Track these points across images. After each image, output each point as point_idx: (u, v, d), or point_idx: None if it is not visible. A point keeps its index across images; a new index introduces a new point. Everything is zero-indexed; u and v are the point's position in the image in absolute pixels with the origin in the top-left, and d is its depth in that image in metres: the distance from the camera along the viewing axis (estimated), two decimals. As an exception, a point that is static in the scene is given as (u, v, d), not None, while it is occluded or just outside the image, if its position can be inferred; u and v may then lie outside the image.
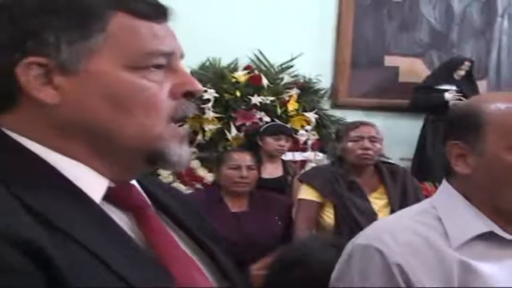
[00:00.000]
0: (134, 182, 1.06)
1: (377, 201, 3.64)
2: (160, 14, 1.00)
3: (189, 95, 1.02)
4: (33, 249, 0.79)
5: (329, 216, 3.62)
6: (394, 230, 1.40)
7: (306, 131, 5.40)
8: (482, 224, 1.39)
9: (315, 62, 5.82)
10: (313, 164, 5.10)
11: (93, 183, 0.96)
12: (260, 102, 5.29)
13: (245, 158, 3.77)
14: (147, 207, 1.03)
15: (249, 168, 3.73)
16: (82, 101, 0.95)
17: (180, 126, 1.02)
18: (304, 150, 5.36)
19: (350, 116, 5.38)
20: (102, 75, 0.94)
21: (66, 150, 0.96)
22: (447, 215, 1.42)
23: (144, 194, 1.06)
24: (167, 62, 0.99)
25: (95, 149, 0.97)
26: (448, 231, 1.39)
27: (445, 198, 1.46)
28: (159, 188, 1.14)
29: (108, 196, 0.97)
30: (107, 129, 0.96)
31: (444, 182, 1.50)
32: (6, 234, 0.78)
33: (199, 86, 1.03)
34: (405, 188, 3.70)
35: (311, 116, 5.46)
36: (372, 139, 3.65)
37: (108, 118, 0.95)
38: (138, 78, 0.96)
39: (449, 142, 1.45)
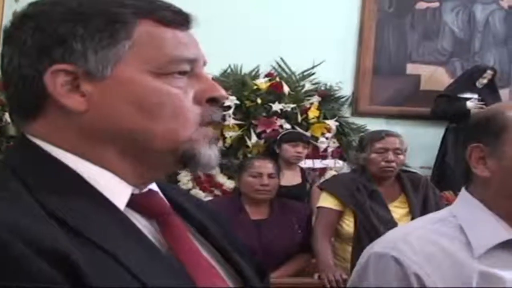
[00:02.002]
0: (156, 189, 1.06)
1: (398, 210, 3.64)
2: (184, 21, 1.01)
3: (213, 101, 1.02)
4: (59, 258, 0.79)
5: (348, 225, 3.61)
6: (411, 239, 1.39)
7: (327, 138, 5.39)
8: (503, 231, 1.38)
9: (337, 69, 5.81)
10: (333, 172, 5.10)
11: (117, 190, 0.96)
12: (281, 110, 5.29)
13: (267, 166, 3.77)
14: (170, 214, 1.03)
15: (270, 176, 3.73)
16: (109, 108, 0.95)
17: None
18: (324, 157, 5.35)
19: (371, 124, 5.37)
20: (129, 82, 0.95)
21: (92, 156, 0.96)
22: (468, 223, 1.41)
23: (167, 201, 1.06)
24: (191, 68, 1.00)
25: (123, 154, 0.97)
26: (471, 240, 1.38)
27: (465, 206, 1.46)
28: (183, 197, 1.14)
29: (132, 203, 0.98)
30: (136, 134, 0.96)
31: (463, 190, 1.50)
32: (30, 242, 0.78)
33: (223, 92, 1.03)
34: (426, 197, 3.69)
35: (332, 123, 5.45)
36: (397, 151, 3.63)
37: (136, 124, 0.95)
38: (164, 84, 0.96)
39: (470, 145, 1.45)
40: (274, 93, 5.39)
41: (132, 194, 0.98)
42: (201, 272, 0.97)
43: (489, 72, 5.67)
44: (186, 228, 1.06)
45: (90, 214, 0.90)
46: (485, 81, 5.64)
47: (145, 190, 1.02)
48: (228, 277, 1.06)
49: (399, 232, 1.48)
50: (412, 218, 3.50)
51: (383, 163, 3.61)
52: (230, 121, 5.17)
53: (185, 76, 0.99)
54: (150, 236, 0.97)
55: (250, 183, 3.71)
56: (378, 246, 1.42)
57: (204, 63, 1.04)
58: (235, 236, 1.20)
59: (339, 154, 5.44)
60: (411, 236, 1.41)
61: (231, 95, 5.21)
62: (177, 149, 0.98)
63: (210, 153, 1.00)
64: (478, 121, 1.50)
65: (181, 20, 1.00)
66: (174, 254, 0.97)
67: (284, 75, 5.69)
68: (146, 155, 0.98)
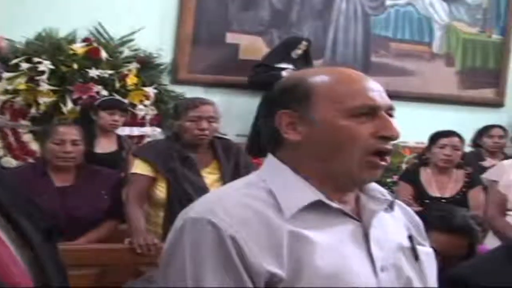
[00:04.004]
0: None
1: (210, 176, 3.69)
2: None
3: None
4: None
5: (161, 191, 3.62)
6: (226, 203, 1.40)
7: (145, 106, 5.36)
8: (310, 193, 1.43)
9: (156, 36, 5.77)
10: (150, 139, 5.08)
11: None
12: (98, 76, 5.19)
13: (70, 133, 3.67)
14: None
15: (73, 143, 3.64)
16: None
17: None
18: (142, 125, 5.32)
19: (190, 92, 5.40)
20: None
21: None
22: (277, 187, 1.43)
23: None
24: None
25: None
26: (281, 202, 1.41)
27: (274, 171, 1.48)
28: None
29: None
30: None
31: (270, 155, 1.52)
32: None
33: None
34: (238, 163, 3.76)
35: (150, 91, 5.43)
36: (210, 120, 3.67)
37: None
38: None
39: (278, 111, 1.48)
40: (91, 58, 5.28)
41: None
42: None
43: (304, 43, 5.87)
44: None
45: None
46: (300, 52, 5.83)
47: None
48: (9, 238, 1.05)
49: (213, 197, 1.48)
50: (224, 184, 3.56)
51: (196, 131, 3.63)
52: (44, 86, 4.99)
53: None
54: None
55: (53, 150, 3.61)
56: (194, 211, 1.42)
57: None
58: (27, 199, 1.18)
59: (158, 121, 5.42)
60: (225, 200, 1.42)
61: (46, 59, 5.04)
62: None
63: None
64: (284, 87, 1.52)
65: None
66: None
67: (102, 40, 5.58)
68: None
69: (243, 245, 1.33)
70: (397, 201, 1.63)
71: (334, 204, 1.44)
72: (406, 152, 6.19)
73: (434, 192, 4.56)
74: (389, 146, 1.45)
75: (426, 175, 4.64)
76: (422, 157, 4.93)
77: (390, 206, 1.55)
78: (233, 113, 5.62)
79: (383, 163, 1.45)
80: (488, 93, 6.95)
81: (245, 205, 1.40)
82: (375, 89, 1.46)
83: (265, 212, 1.39)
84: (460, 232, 2.42)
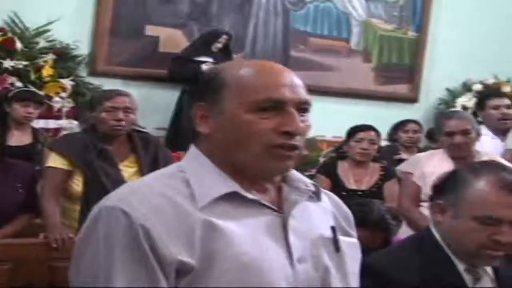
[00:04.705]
0: None
1: (128, 169, 3.66)
2: None
3: None
4: None
5: (78, 184, 3.57)
6: (140, 192, 1.39)
7: (61, 98, 5.26)
8: (225, 184, 1.43)
9: (74, 28, 5.67)
10: (67, 132, 4.99)
11: None
12: (13, 67, 5.08)
13: None
14: None
15: None
16: None
17: None
18: (58, 117, 5.22)
19: (108, 85, 5.31)
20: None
21: None
22: (194, 177, 1.44)
23: None
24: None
25: None
26: (196, 192, 1.41)
27: (192, 161, 1.48)
28: None
29: None
30: None
31: (192, 146, 1.53)
32: None
33: None
34: (156, 157, 3.75)
35: (67, 83, 5.33)
36: (127, 110, 3.64)
37: None
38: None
39: (195, 104, 1.49)
40: (6, 49, 5.15)
41: None
42: None
43: (224, 37, 5.87)
44: None
45: None
46: (220, 45, 5.82)
47: None
48: None
49: (129, 187, 1.47)
50: (142, 177, 3.54)
51: (112, 122, 3.60)
52: (-47, 77, 4.84)
53: None
54: None
55: None
56: (108, 200, 1.41)
57: None
58: None
59: (74, 114, 5.33)
60: (139, 190, 1.41)
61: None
62: None
63: None
64: (202, 80, 1.54)
65: None
66: None
67: (18, 30, 5.43)
68: None
69: (154, 234, 1.33)
70: (326, 191, 1.65)
71: (250, 195, 1.44)
72: (324, 146, 6.28)
73: (351, 185, 4.65)
74: (293, 141, 1.44)
75: (343, 168, 4.72)
76: (339, 150, 5.02)
77: (316, 196, 1.57)
78: (153, 106, 5.58)
79: (289, 153, 1.45)
80: (403, 88, 7.11)
81: (160, 194, 1.39)
82: (287, 83, 1.46)
83: (179, 202, 1.39)
84: (376, 227, 2.48)
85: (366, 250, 2.36)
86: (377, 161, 4.78)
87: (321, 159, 5.87)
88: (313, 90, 6.38)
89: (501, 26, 7.29)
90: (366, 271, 1.81)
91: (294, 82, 1.48)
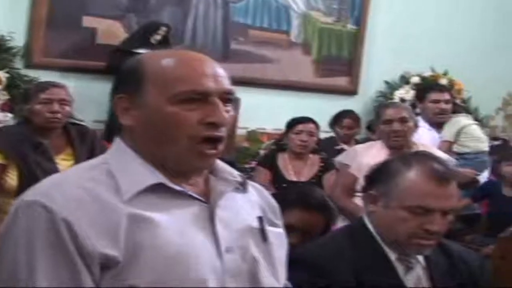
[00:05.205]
0: None
1: (64, 162, 3.62)
2: None
3: None
4: None
5: (12, 178, 3.51)
6: (62, 185, 1.37)
7: (-4, 91, 5.15)
8: (151, 176, 1.42)
9: (9, 19, 5.52)
10: (1, 126, 4.88)
11: None
12: None
13: None
14: None
15: None
16: None
17: None
18: (-7, 111, 5.10)
19: (45, 77, 5.17)
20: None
21: None
22: (118, 169, 1.42)
23: None
24: None
25: None
26: (120, 185, 1.40)
27: (117, 153, 1.47)
28: None
29: None
30: None
31: (116, 138, 1.52)
32: None
33: None
34: (93, 150, 3.71)
35: (2, 75, 5.20)
36: (62, 102, 3.59)
37: None
38: None
39: (116, 96, 1.47)
40: None
41: None
42: None
43: (163, 29, 5.81)
44: None
45: None
46: (159, 37, 5.76)
47: None
48: None
49: (52, 180, 1.45)
50: (78, 170, 3.49)
51: (47, 114, 3.55)
52: None
53: None
54: None
55: None
56: (29, 194, 1.38)
57: None
58: None
59: (9, 107, 5.21)
60: (62, 183, 1.39)
61: None
62: None
63: None
64: (123, 71, 1.52)
65: None
66: None
67: None
68: None
69: (77, 228, 1.31)
70: (253, 183, 1.65)
71: (177, 187, 1.44)
72: (264, 138, 6.29)
73: (290, 176, 4.69)
74: (218, 132, 1.45)
75: (283, 160, 4.76)
76: (280, 142, 5.05)
77: (243, 187, 1.57)
78: (90, 98, 5.49)
79: (212, 151, 1.45)
80: (343, 81, 7.17)
81: (82, 187, 1.38)
82: (209, 73, 1.46)
83: (103, 194, 1.38)
84: (319, 209, 2.51)
85: (308, 233, 2.42)
86: (317, 153, 4.83)
87: (262, 152, 5.89)
88: (253, 82, 6.48)
89: (438, 19, 7.42)
90: (298, 263, 1.83)
91: (217, 72, 1.48)
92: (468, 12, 7.57)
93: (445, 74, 7.20)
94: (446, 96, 5.23)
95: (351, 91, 7.16)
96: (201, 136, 1.43)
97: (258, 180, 4.74)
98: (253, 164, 5.44)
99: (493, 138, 6.64)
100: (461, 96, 7.13)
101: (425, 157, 2.12)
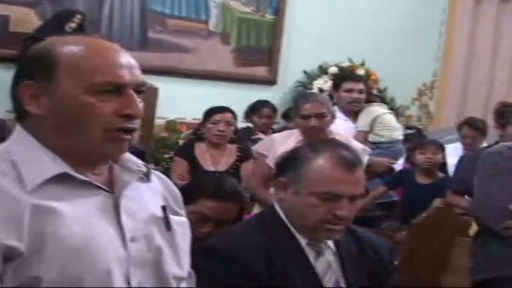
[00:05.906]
0: None
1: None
2: None
3: None
4: None
5: None
6: None
7: None
8: (55, 166, 1.40)
9: None
10: None
11: None
12: None
13: None
14: None
15: None
16: None
17: None
18: None
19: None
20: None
21: None
22: (21, 159, 1.39)
23: None
24: None
25: None
26: (24, 175, 1.36)
27: (19, 142, 1.44)
28: None
29: None
30: None
31: (18, 126, 1.48)
32: None
33: None
34: (3, 140, 3.60)
35: None
36: None
37: None
38: None
39: (22, 82, 1.42)
40: None
41: None
42: None
43: (78, 16, 5.70)
44: None
45: None
46: (74, 25, 5.64)
47: None
48: None
49: None
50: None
51: None
52: None
53: None
54: None
55: None
56: None
57: None
58: None
59: None
60: None
61: None
62: None
63: None
64: (30, 57, 1.48)
65: None
66: None
67: None
68: None
69: None
70: (156, 172, 1.65)
71: (81, 176, 1.42)
72: (184, 128, 6.27)
73: (208, 166, 4.68)
74: (132, 124, 1.45)
75: (200, 150, 4.75)
76: (198, 132, 5.04)
77: (147, 177, 1.56)
78: (3, 88, 5.31)
79: (126, 136, 1.45)
80: (261, 71, 7.19)
81: None
82: (124, 65, 1.44)
83: (5, 184, 1.35)
84: (231, 198, 2.51)
85: (220, 222, 2.43)
86: (234, 142, 4.84)
87: (181, 142, 5.87)
88: (172, 72, 6.43)
89: (356, 10, 7.52)
90: (208, 253, 1.84)
91: (131, 64, 1.47)
92: (386, 4, 7.70)
93: (362, 64, 7.32)
94: (360, 85, 5.30)
95: (270, 81, 7.20)
96: (115, 128, 1.42)
97: (176, 170, 4.73)
98: (172, 154, 5.41)
99: (408, 127, 6.79)
100: (377, 86, 7.26)
101: (333, 144, 2.15)
